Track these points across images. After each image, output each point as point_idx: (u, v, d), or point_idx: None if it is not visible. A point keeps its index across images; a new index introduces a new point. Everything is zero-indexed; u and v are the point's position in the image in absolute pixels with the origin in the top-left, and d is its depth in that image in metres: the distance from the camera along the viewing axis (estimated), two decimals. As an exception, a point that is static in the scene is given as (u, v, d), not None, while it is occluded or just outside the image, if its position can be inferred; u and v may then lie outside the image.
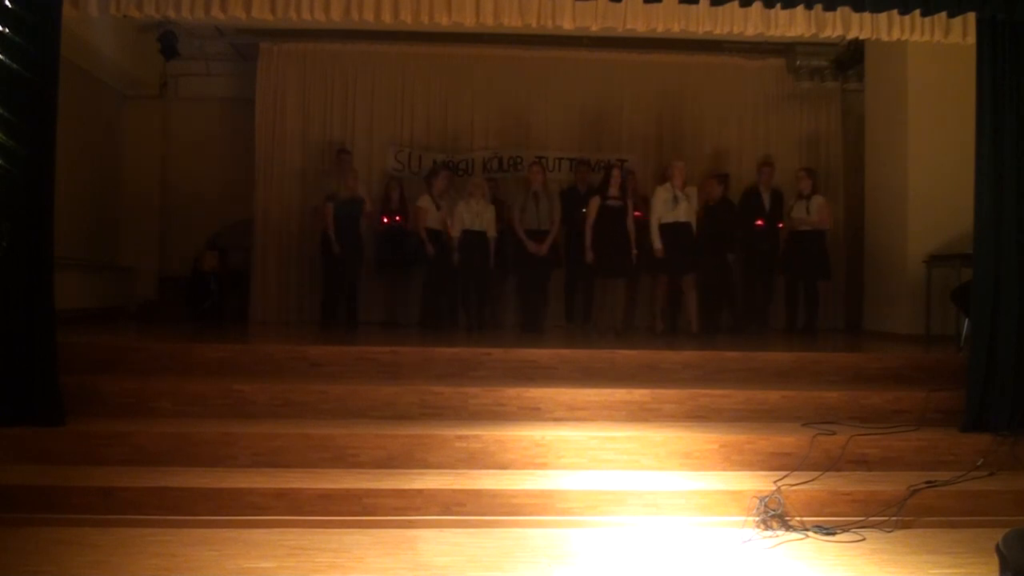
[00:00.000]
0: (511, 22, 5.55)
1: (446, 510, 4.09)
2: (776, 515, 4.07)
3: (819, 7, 5.18)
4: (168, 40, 8.36)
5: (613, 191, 7.58)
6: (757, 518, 4.05)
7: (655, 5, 5.37)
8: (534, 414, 4.96)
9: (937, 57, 7.04)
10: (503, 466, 4.48)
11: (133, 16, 5.53)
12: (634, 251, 7.49)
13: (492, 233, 7.79)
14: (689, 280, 7.58)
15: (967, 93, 5.22)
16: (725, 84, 9.35)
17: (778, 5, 5.19)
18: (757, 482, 4.29)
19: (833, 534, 3.99)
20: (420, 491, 4.12)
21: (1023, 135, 5.00)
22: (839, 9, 5.26)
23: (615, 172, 7.72)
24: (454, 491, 4.14)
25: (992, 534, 2.93)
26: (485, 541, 3.85)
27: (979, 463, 4.56)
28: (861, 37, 5.85)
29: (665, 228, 7.47)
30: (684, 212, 7.50)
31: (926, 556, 3.75)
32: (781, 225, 8.20)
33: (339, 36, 8.84)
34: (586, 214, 7.61)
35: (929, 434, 4.78)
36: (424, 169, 9.03)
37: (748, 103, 9.37)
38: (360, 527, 3.97)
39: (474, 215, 7.68)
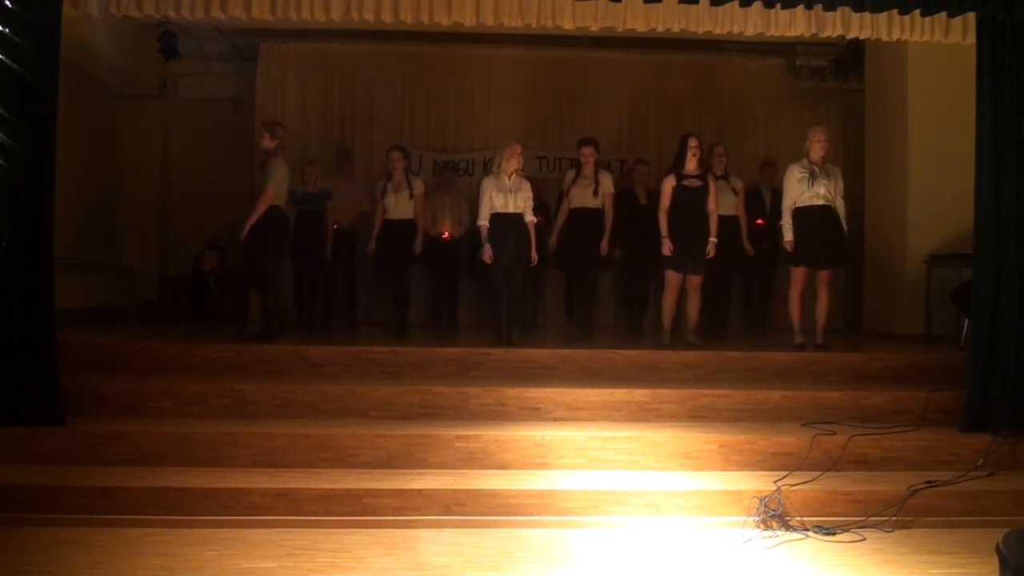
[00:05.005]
0: (511, 22, 5.57)
1: (446, 510, 4.09)
2: (776, 515, 4.06)
3: (819, 7, 5.18)
4: (168, 40, 8.35)
5: (691, 166, 6.22)
6: (757, 518, 4.05)
7: (655, 5, 5.37)
8: (534, 414, 4.96)
9: (937, 57, 7.03)
10: (503, 466, 4.48)
11: (133, 16, 5.54)
12: (712, 239, 6.20)
13: (530, 217, 6.30)
14: (823, 276, 6.20)
15: (967, 93, 5.22)
16: (725, 84, 9.34)
17: (778, 5, 5.19)
18: (757, 482, 4.29)
19: (833, 534, 3.99)
20: (420, 491, 4.12)
21: (1023, 135, 5.00)
22: (839, 9, 5.26)
23: (691, 141, 6.21)
24: (454, 491, 4.14)
25: (992, 534, 2.92)
26: (485, 541, 3.85)
27: (979, 463, 4.56)
28: (861, 37, 5.87)
29: (800, 213, 6.12)
30: (825, 192, 6.11)
31: (926, 556, 3.75)
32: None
33: (339, 36, 8.82)
34: (659, 197, 6.36)
35: (929, 434, 4.79)
36: (423, 169, 9.01)
37: (748, 103, 9.36)
38: (360, 527, 3.97)
39: (505, 194, 6.23)
